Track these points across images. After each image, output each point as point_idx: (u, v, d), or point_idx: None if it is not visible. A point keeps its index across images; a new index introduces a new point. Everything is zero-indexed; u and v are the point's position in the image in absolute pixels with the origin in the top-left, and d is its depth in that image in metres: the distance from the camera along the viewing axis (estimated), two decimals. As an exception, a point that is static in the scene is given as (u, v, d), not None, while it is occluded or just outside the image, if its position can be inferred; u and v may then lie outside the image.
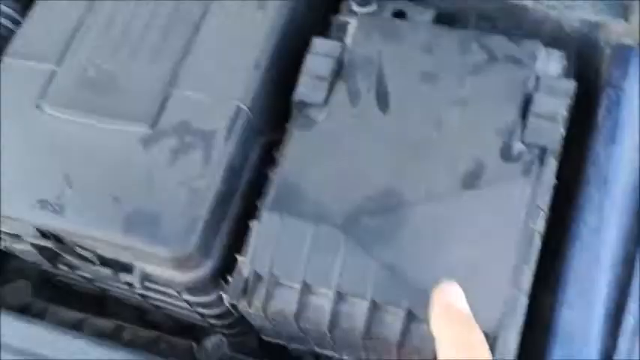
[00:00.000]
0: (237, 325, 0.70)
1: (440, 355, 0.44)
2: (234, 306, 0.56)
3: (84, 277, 0.68)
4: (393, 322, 0.51)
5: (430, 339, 0.49)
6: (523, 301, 0.51)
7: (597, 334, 0.51)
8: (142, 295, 0.68)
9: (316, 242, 0.53)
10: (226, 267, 0.57)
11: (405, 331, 0.51)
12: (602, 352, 0.51)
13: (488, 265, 0.51)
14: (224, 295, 0.55)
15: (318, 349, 0.64)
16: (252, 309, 0.55)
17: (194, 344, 0.63)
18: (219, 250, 0.57)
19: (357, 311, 0.52)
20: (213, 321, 0.68)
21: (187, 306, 0.65)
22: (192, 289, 0.59)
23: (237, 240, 0.57)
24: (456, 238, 0.52)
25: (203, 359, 0.62)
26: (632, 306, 0.51)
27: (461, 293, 0.46)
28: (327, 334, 0.54)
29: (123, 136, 0.58)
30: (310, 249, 0.53)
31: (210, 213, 0.55)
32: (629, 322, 0.51)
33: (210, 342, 0.63)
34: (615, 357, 0.50)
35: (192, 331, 0.74)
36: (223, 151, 0.57)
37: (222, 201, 0.57)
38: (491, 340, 0.49)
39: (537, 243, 0.52)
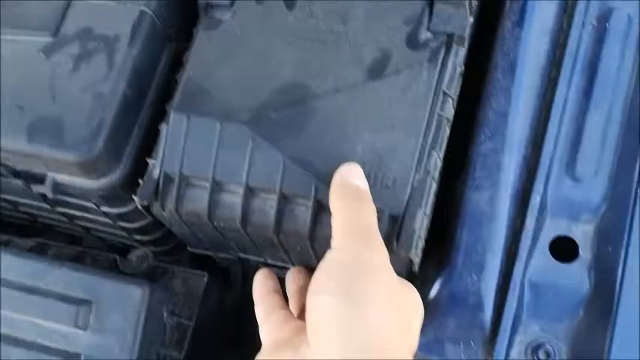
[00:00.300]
0: (164, 240, 0.69)
1: (332, 230, 0.44)
2: (147, 209, 0.55)
3: (6, 201, 0.67)
4: (303, 213, 0.51)
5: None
6: (431, 186, 0.51)
7: (505, 214, 0.52)
8: (66, 215, 0.67)
9: (224, 140, 0.53)
10: (141, 174, 0.56)
11: (316, 222, 0.51)
12: (510, 231, 0.51)
13: (395, 152, 0.51)
14: (135, 198, 0.54)
15: (242, 255, 0.64)
16: (166, 212, 0.55)
17: (118, 257, 0.62)
18: (131, 156, 0.56)
19: (268, 205, 0.52)
20: (139, 237, 0.67)
21: (110, 221, 0.64)
22: (107, 198, 0.58)
23: (150, 146, 0.56)
24: (364, 128, 0.51)
25: (128, 272, 0.61)
26: (538, 186, 0.52)
27: (359, 172, 0.46)
28: (240, 231, 0.54)
29: (26, 47, 0.57)
30: (218, 147, 0.53)
31: (116, 117, 0.54)
32: (535, 200, 0.51)
33: (135, 255, 0.62)
34: (523, 236, 0.51)
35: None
36: (127, 55, 0.55)
37: (130, 105, 0.56)
38: (398, 223, 0.49)
39: (445, 129, 0.52)
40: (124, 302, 0.54)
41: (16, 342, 0.53)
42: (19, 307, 0.53)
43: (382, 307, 0.41)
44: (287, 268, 0.66)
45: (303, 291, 0.52)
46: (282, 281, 0.76)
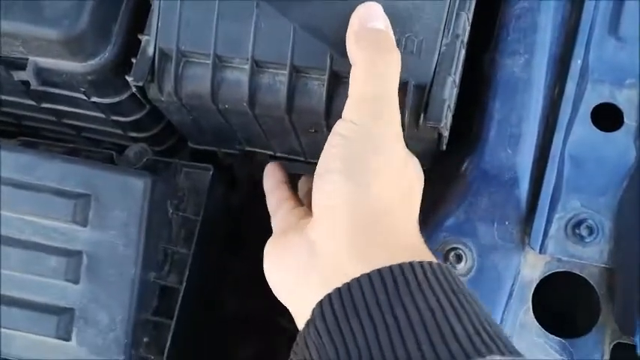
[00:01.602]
0: (163, 137, 0.64)
1: (351, 81, 0.40)
2: (143, 93, 0.50)
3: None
4: (317, 88, 0.46)
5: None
6: (461, 51, 0.45)
7: (542, 81, 0.46)
8: (53, 112, 0.61)
9: (225, 8, 0.46)
10: (133, 53, 0.50)
11: (332, 97, 0.46)
12: (548, 100, 0.47)
13: (420, 14, 0.45)
14: (129, 78, 0.48)
15: (248, 148, 0.59)
16: (164, 95, 0.49)
17: (114, 153, 0.57)
18: (121, 32, 0.50)
19: (278, 81, 0.47)
20: (134, 133, 0.62)
21: (102, 115, 0.59)
22: (98, 84, 0.53)
23: (142, 20, 0.50)
24: (383, -12, 0.45)
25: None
26: (579, 49, 0.47)
27: (379, 12, 0.41)
28: (248, 113, 0.48)
29: None
30: (219, 17, 0.47)
31: (101, -12, 0.47)
32: (575, 64, 0.46)
33: (133, 150, 0.57)
34: (562, 104, 0.46)
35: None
36: None
37: (116, -25, 0.49)
38: (426, 93, 0.44)
39: (475, -11, 0.46)
40: (125, 195, 0.49)
41: (11, 242, 0.49)
42: (10, 205, 0.49)
43: (387, 183, 0.39)
44: (297, 161, 0.62)
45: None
46: (291, 178, 0.72)
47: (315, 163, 0.52)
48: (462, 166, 0.48)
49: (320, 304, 0.34)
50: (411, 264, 0.34)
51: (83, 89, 0.54)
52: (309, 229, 0.40)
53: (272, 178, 0.53)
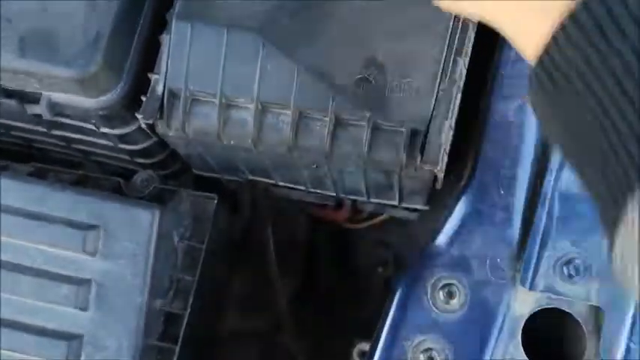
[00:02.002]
0: (168, 163, 0.66)
1: None
2: (152, 129, 0.52)
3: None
4: (320, 129, 0.48)
5: (359, 143, 0.45)
6: (457, 96, 0.47)
7: (534, 124, 0.48)
8: (63, 139, 0.63)
9: (232, 50, 0.49)
10: (143, 91, 0.53)
11: (334, 138, 0.48)
12: (540, 142, 0.49)
13: (418, 59, 0.47)
14: (139, 116, 0.50)
15: (252, 177, 0.61)
16: (172, 131, 0.51)
17: (121, 180, 0.59)
18: (132, 71, 0.52)
19: (281, 121, 0.49)
20: (141, 160, 0.64)
21: (111, 144, 0.61)
22: (108, 118, 0.55)
23: (151, 60, 0.52)
24: (384, 33, 0.47)
25: (133, 196, 0.58)
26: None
27: None
28: (252, 150, 0.51)
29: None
30: (226, 58, 0.49)
31: (113, 28, 0.50)
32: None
33: (140, 177, 0.59)
34: (554, 146, 0.48)
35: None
36: (122, -41, 0.50)
37: (127, 15, 0.51)
38: (422, 137, 0.46)
39: (471, 34, 0.48)
40: (134, 226, 0.51)
41: (24, 269, 0.51)
42: (23, 234, 0.51)
43: None
44: (298, 190, 0.64)
45: None
46: (291, 203, 0.74)
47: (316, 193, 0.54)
48: (456, 205, 0.49)
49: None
50: None
51: (94, 121, 0.56)
52: None
53: None
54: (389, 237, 0.87)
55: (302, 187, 0.61)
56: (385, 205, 0.63)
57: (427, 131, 0.46)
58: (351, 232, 0.88)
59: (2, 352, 0.51)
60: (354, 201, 0.66)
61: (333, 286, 0.95)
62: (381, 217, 0.76)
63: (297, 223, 0.85)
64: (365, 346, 0.66)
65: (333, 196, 0.65)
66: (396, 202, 0.58)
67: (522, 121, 0.48)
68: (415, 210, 0.61)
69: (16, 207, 0.51)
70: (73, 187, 0.52)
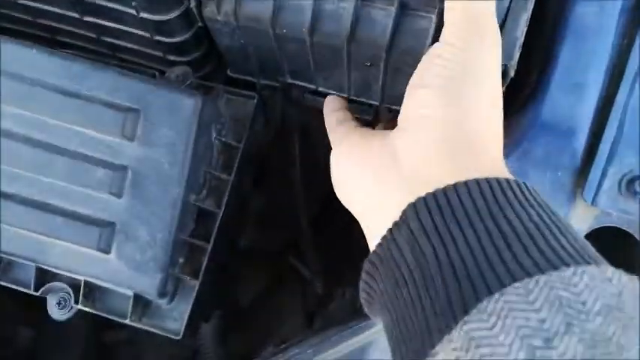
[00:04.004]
0: (202, 62, 0.63)
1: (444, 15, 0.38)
2: (199, 10, 0.48)
3: (22, 7, 0.60)
4: (383, 18, 0.45)
5: (425, 36, 0.43)
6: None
7: (613, 29, 0.45)
8: (94, 27, 0.60)
9: None
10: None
11: (397, 29, 0.45)
12: (617, 49, 0.46)
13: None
14: (187, -5, 0.47)
15: (290, 79, 0.58)
16: (221, 15, 0.48)
17: (157, 72, 0.56)
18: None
19: (341, 8, 0.45)
20: (174, 57, 0.60)
21: (147, 34, 0.57)
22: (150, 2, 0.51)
23: None
24: None
25: (168, 89, 0.55)
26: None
27: None
28: (306, 40, 0.47)
29: None
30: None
31: None
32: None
33: (175, 72, 0.56)
34: (631, 54, 0.45)
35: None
36: None
37: None
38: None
39: None
40: (175, 114, 0.48)
41: (59, 150, 0.48)
42: (59, 114, 0.48)
43: (483, 115, 0.37)
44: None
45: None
46: (321, 122, 0.71)
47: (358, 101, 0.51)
48: (519, 112, 0.47)
49: (413, 205, 0.33)
50: (507, 180, 0.33)
51: (135, 3, 0.53)
52: (394, 137, 0.39)
53: (333, 104, 0.53)
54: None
55: (345, 95, 0.58)
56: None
57: (503, 24, 0.42)
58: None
59: (32, 235, 0.49)
60: (394, 114, 0.63)
61: (350, 219, 0.93)
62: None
63: (325, 144, 0.83)
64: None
65: (370, 108, 0.63)
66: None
67: (600, 26, 0.45)
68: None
69: (54, 84, 0.48)
70: (116, 68, 0.49)
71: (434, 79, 0.37)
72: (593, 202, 0.45)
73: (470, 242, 0.30)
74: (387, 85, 0.53)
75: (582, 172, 0.46)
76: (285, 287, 0.88)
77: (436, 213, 0.32)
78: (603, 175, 0.45)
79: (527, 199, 0.32)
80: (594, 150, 0.45)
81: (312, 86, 0.58)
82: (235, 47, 0.53)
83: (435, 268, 0.31)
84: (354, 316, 0.69)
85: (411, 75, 0.40)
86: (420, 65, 0.39)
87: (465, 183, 0.33)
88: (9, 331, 0.78)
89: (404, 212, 0.34)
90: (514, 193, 0.32)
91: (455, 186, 0.33)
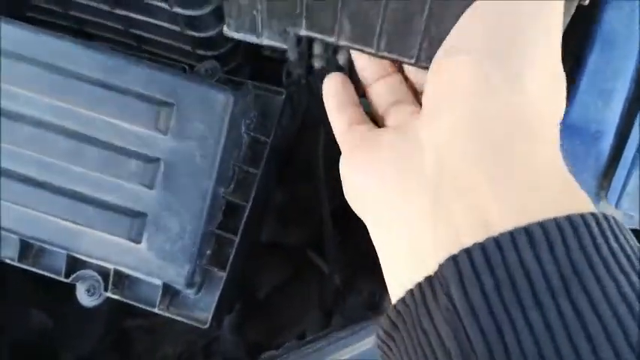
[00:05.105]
0: (228, 57, 0.64)
1: None
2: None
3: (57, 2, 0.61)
4: None
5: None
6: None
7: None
8: (124, 20, 0.61)
9: None
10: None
11: None
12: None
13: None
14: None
15: (305, 28, 0.44)
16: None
17: (186, 67, 0.57)
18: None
19: None
20: (202, 51, 0.62)
21: (177, 29, 0.59)
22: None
23: None
24: None
25: (198, 81, 0.56)
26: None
27: None
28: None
29: None
30: None
31: None
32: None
33: (205, 66, 0.57)
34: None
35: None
36: None
37: None
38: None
39: None
40: (208, 108, 0.49)
41: (93, 141, 0.49)
42: (95, 105, 0.49)
43: (541, 83, 0.29)
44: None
45: (400, 105, 0.38)
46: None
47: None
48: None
49: (455, 260, 0.24)
50: (582, 217, 0.23)
51: (167, -3, 0.54)
52: (418, 125, 0.30)
53: (340, 93, 0.42)
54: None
55: (371, 50, 0.43)
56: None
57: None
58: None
59: (64, 223, 0.50)
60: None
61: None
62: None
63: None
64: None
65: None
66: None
67: (630, 32, 0.46)
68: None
69: (90, 76, 0.49)
70: (150, 63, 0.50)
71: (475, 38, 0.29)
72: (617, 205, 0.46)
73: (534, 326, 0.21)
74: (435, 20, 0.39)
75: (607, 174, 0.46)
76: (303, 281, 0.89)
77: (486, 276, 0.23)
78: (627, 178, 0.45)
79: (610, 247, 0.23)
80: (619, 153, 0.46)
81: (332, 38, 0.44)
82: None
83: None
84: (370, 313, 0.70)
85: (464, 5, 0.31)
86: (457, 24, 0.31)
87: (525, 230, 0.23)
88: (24, 314, 0.80)
89: (441, 267, 0.25)
90: (593, 239, 0.23)
91: (512, 234, 0.23)
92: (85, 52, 0.49)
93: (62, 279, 0.53)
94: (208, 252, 0.53)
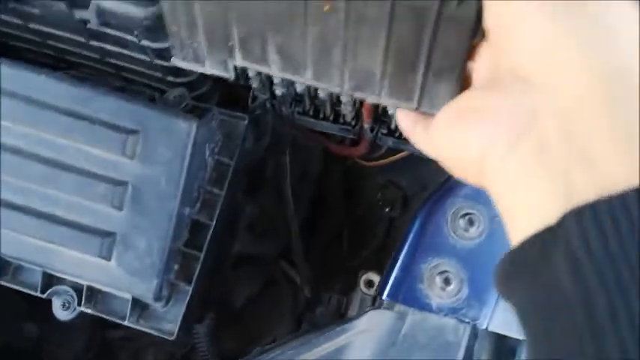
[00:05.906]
0: (198, 84, 0.68)
1: None
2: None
3: (32, 30, 0.65)
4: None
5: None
6: None
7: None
8: (99, 51, 0.65)
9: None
10: None
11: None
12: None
13: None
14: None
15: (241, 59, 0.46)
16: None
17: (156, 94, 0.61)
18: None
19: None
20: (172, 78, 0.66)
21: (147, 59, 0.63)
22: (151, 29, 0.56)
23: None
24: None
25: (166, 110, 0.60)
26: None
27: None
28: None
29: None
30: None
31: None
32: None
33: (173, 93, 0.61)
34: None
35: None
36: None
37: None
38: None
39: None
40: (172, 135, 0.53)
41: (66, 167, 0.53)
42: (67, 134, 0.53)
43: (631, 31, 0.27)
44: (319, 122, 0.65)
45: None
46: (309, 138, 0.76)
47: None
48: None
49: (576, 216, 0.23)
50: None
51: (136, 32, 0.58)
52: (533, 91, 0.29)
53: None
54: (400, 178, 0.90)
55: (301, 79, 0.45)
56: (404, 139, 0.64)
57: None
58: (363, 170, 0.91)
59: (40, 242, 0.54)
60: (375, 134, 0.68)
61: (339, 223, 0.98)
62: (397, 156, 0.79)
63: (312, 156, 0.88)
64: (372, 276, 0.69)
65: (350, 130, 0.66)
66: (415, 101, 0.44)
67: None
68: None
69: (61, 106, 0.53)
70: (118, 93, 0.54)
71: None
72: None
73: None
74: (349, 51, 0.42)
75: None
76: (276, 291, 0.93)
77: (612, 235, 0.22)
78: None
79: None
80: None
81: (266, 69, 0.46)
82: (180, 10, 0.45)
83: (608, 324, 0.22)
84: (338, 320, 0.74)
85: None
86: None
87: None
88: (16, 326, 0.83)
89: (562, 220, 0.24)
90: None
91: (639, 192, 0.23)
92: (58, 85, 0.53)
93: (38, 294, 0.57)
94: (175, 267, 0.57)
